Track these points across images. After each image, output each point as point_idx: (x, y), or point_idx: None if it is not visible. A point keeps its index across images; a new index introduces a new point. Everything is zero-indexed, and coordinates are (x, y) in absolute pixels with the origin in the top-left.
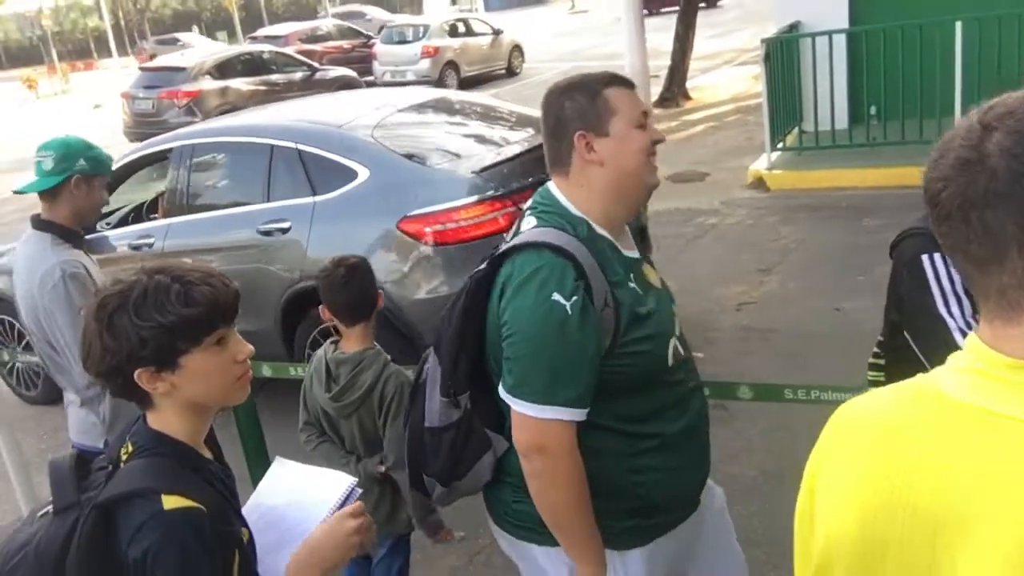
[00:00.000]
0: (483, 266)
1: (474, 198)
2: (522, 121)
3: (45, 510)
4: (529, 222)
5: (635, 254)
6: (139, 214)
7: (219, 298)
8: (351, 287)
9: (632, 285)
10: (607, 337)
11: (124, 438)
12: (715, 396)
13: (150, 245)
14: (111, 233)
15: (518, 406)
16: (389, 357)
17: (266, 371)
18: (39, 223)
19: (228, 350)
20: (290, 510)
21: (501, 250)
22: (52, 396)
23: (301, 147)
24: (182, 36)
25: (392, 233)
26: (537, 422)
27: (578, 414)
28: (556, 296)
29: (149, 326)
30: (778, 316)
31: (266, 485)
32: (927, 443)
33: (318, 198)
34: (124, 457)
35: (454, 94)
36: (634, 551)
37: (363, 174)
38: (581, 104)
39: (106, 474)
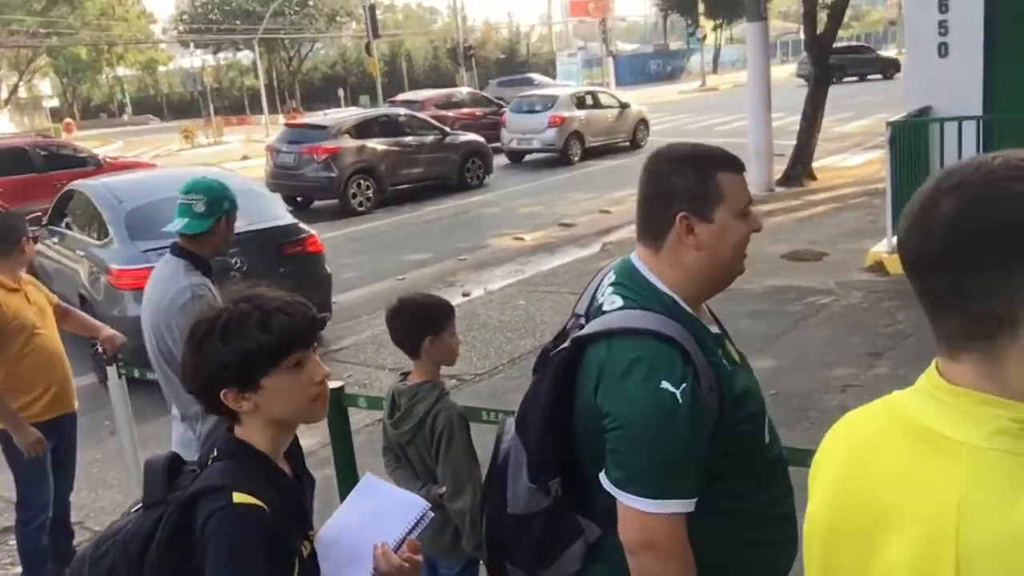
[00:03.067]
0: (566, 344)
1: (136, 267)
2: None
3: (138, 505)
4: (613, 301)
5: (717, 329)
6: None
7: (295, 326)
8: (396, 326)
9: (724, 363)
10: (712, 419)
11: (213, 447)
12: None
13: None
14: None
15: (627, 500)
16: (446, 391)
17: (362, 404)
18: (178, 250)
19: (305, 372)
20: (366, 528)
21: (585, 332)
22: None
23: (103, 212)
24: (535, 76)
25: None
26: (649, 518)
27: (690, 505)
28: (665, 384)
29: (232, 350)
30: None
31: (352, 499)
32: (882, 451)
33: (101, 241)
34: (209, 463)
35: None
36: None
37: (115, 236)
38: (691, 184)
39: (192, 476)
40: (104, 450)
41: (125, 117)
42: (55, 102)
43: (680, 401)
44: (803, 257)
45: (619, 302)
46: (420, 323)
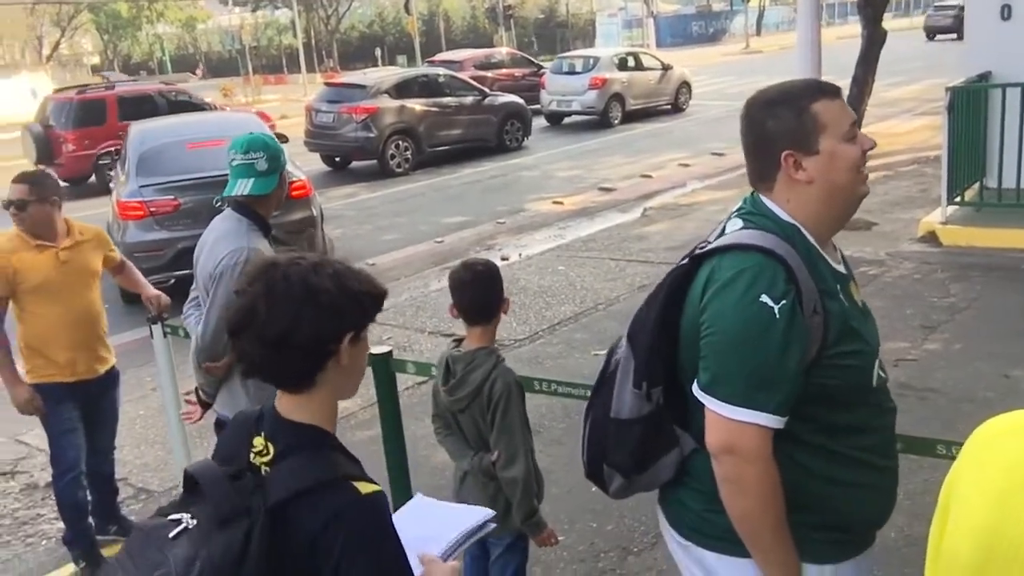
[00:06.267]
0: (683, 262)
1: (133, 199)
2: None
3: (182, 526)
4: (735, 224)
5: (843, 269)
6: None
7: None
8: (473, 291)
9: (842, 297)
10: (814, 345)
11: (243, 443)
12: None
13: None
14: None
15: (712, 404)
16: (503, 358)
17: (410, 370)
18: (241, 208)
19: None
20: (423, 533)
21: (705, 249)
22: None
23: (129, 151)
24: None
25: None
26: (729, 423)
27: (774, 421)
28: (764, 298)
29: (362, 291)
30: (939, 376)
31: (401, 518)
32: None
33: (124, 176)
34: (264, 459)
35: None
36: (828, 566)
37: (129, 172)
38: (787, 121)
39: (252, 480)
40: (147, 407)
41: (199, 72)
42: (96, 59)
43: (777, 316)
44: (852, 226)
45: (740, 224)
46: (497, 288)
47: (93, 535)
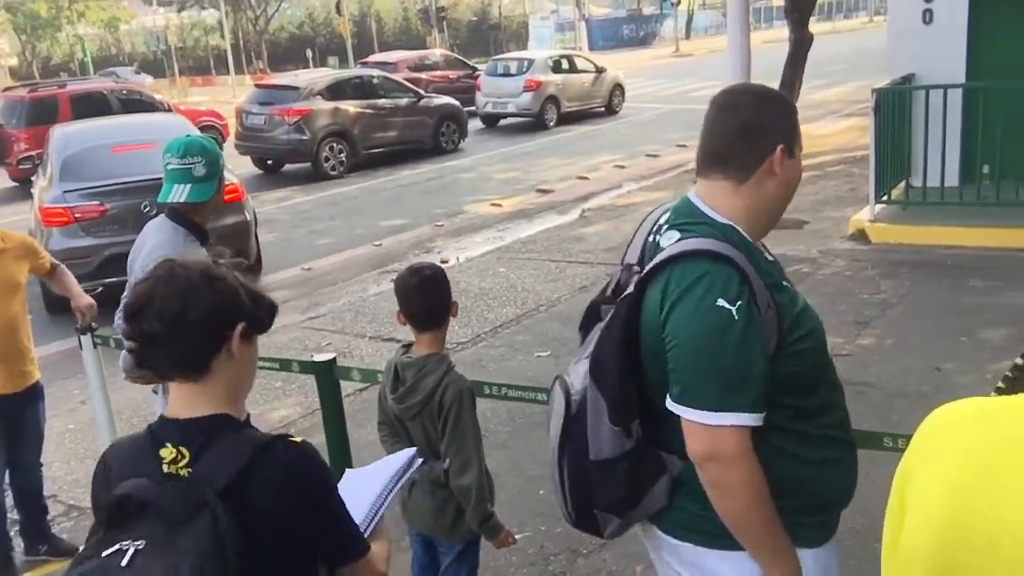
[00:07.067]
0: (630, 289)
1: (57, 205)
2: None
3: (131, 551)
4: (671, 237)
5: (771, 257)
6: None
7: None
8: (422, 296)
9: (785, 284)
10: (772, 339)
11: (146, 461)
12: None
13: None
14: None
15: (688, 414)
16: (453, 364)
17: (355, 376)
18: (176, 216)
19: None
20: (358, 486)
21: (648, 268)
22: None
23: (52, 155)
24: None
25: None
26: (708, 430)
27: (751, 419)
28: (721, 301)
29: (256, 292)
30: (873, 371)
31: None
32: (1018, 470)
33: (47, 181)
34: (182, 463)
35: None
36: (818, 549)
37: (52, 177)
38: (784, 118)
39: (184, 483)
40: (76, 420)
41: (147, 77)
42: (14, 60)
43: (736, 317)
44: (784, 225)
45: (676, 235)
46: (446, 291)
47: (9, 548)
